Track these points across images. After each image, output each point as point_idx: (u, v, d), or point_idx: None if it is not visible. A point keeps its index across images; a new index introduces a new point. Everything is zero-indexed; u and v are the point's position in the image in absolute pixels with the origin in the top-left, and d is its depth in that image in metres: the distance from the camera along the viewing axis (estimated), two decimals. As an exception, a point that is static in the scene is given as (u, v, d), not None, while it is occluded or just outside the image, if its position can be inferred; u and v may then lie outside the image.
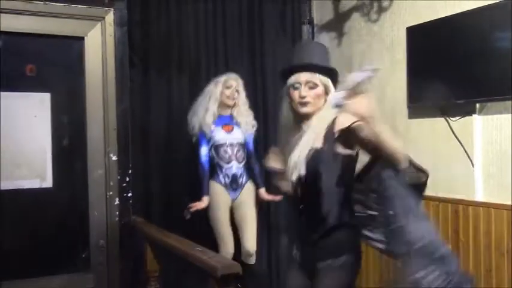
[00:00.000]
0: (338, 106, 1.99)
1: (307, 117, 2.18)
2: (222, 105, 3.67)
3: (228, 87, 3.66)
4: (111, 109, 3.44)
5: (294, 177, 2.14)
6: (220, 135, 3.63)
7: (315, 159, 2.11)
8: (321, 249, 2.16)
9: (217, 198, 3.63)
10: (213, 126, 3.63)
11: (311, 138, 2.14)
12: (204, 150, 3.63)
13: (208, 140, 3.63)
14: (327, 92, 2.20)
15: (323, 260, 2.15)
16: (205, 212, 3.62)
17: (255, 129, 3.80)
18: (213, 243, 3.55)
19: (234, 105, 3.70)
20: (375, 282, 3.91)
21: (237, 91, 3.69)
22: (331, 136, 2.10)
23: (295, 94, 2.16)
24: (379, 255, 2.56)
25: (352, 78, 1.97)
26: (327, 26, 4.48)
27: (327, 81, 2.20)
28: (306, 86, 2.15)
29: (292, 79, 2.17)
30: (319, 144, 2.12)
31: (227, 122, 3.69)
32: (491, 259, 3.07)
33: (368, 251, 2.53)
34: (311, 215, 2.17)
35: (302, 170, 2.12)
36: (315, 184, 2.09)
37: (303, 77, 2.15)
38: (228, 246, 3.63)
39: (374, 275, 3.92)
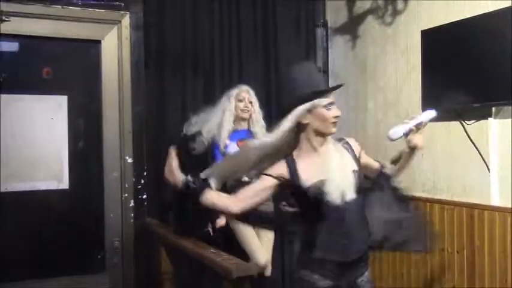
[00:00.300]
0: (405, 135, 2.40)
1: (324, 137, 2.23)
2: (238, 119, 3.60)
3: (240, 101, 3.59)
4: (127, 112, 3.48)
5: (338, 201, 2.14)
6: (235, 149, 3.50)
7: (361, 182, 2.22)
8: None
9: None
10: (228, 141, 3.55)
11: (344, 161, 2.22)
12: None
13: (222, 154, 3.54)
14: None
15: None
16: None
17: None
18: (225, 245, 3.54)
19: (250, 117, 3.64)
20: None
21: (251, 102, 3.63)
22: (357, 160, 2.27)
23: (329, 114, 2.17)
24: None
25: (423, 117, 2.39)
26: (341, 28, 4.47)
27: None
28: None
29: (324, 100, 2.16)
30: (355, 167, 2.23)
31: (243, 137, 3.59)
32: (507, 264, 3.04)
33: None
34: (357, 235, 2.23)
35: (351, 193, 2.17)
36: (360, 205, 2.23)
37: (332, 98, 2.19)
38: (261, 259, 3.39)
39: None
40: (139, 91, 3.53)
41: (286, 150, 2.22)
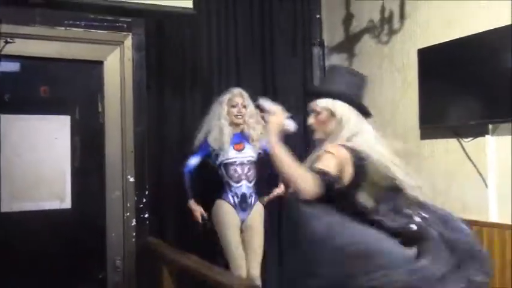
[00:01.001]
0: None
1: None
2: (232, 124, 3.61)
3: (233, 106, 3.60)
4: (129, 131, 3.50)
5: None
6: (230, 154, 3.57)
7: None
8: None
9: (227, 217, 3.53)
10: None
11: None
12: (193, 161, 3.58)
13: (215, 156, 3.59)
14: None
15: None
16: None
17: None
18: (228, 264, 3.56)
19: (244, 122, 3.64)
20: None
21: (244, 107, 3.62)
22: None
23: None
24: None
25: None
26: (337, 47, 4.54)
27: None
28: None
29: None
30: None
31: (238, 140, 3.62)
32: (506, 280, 3.07)
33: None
34: None
35: None
36: None
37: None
38: (239, 270, 3.50)
39: None
40: (141, 111, 3.56)
41: None
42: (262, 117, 2.21)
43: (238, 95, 3.64)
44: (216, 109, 3.64)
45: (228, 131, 3.56)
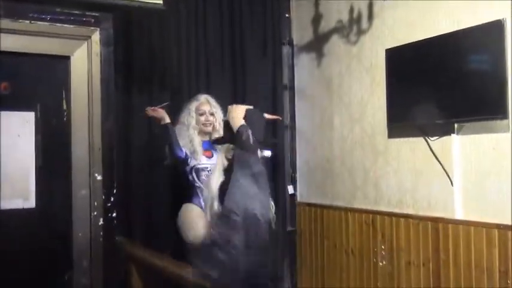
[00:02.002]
0: None
1: None
2: (201, 132, 3.59)
3: (201, 114, 3.58)
4: (96, 128, 3.42)
5: None
6: (202, 159, 3.53)
7: None
8: None
9: (196, 220, 3.42)
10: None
11: None
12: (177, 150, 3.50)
13: (186, 160, 3.51)
14: None
15: None
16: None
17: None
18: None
19: (213, 129, 3.62)
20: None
21: (212, 114, 3.61)
22: None
23: None
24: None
25: None
26: (306, 47, 4.57)
27: None
28: None
29: None
30: None
31: (206, 147, 3.58)
32: (472, 277, 3.14)
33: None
34: None
35: None
36: None
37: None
38: None
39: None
40: (109, 107, 3.49)
41: None
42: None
43: (205, 103, 3.63)
44: (185, 117, 3.61)
45: (198, 140, 3.55)
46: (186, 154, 3.48)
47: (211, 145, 3.59)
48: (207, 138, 3.62)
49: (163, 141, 3.53)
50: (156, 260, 3.04)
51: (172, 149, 3.44)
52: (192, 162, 3.51)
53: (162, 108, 3.49)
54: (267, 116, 3.68)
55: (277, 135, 4.50)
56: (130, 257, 3.32)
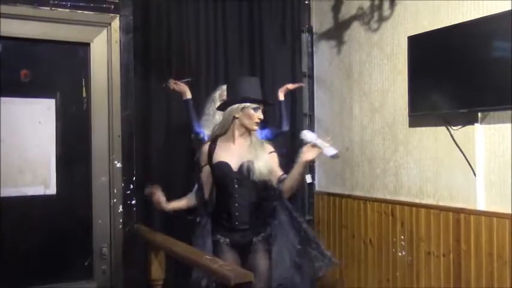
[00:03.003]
0: (310, 143, 2.71)
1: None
2: None
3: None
4: (116, 116, 3.42)
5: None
6: None
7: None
8: None
9: None
10: None
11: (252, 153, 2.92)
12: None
13: None
14: None
15: None
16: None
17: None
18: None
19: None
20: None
21: None
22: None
23: (255, 114, 2.86)
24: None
25: (328, 150, 2.68)
26: (326, 34, 4.51)
27: None
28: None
29: (253, 105, 2.85)
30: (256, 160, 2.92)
31: None
32: (493, 268, 3.10)
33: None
34: None
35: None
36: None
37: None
38: None
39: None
40: (129, 94, 3.48)
41: (222, 134, 2.91)
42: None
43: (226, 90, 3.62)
44: (209, 109, 3.62)
45: None
46: (203, 133, 3.50)
47: None
48: None
49: (184, 116, 3.59)
50: (175, 247, 3.03)
51: (191, 125, 3.50)
52: None
53: (186, 83, 3.49)
54: (290, 86, 3.86)
55: (296, 123, 4.47)
56: (149, 244, 3.32)
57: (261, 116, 2.90)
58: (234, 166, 2.87)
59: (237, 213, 2.87)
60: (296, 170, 2.73)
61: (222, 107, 2.98)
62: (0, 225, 3.21)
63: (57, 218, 3.39)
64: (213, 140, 2.94)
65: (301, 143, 2.76)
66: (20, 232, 3.28)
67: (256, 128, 2.92)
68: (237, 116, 2.88)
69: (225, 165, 2.87)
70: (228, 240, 2.91)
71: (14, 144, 3.24)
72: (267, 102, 3.05)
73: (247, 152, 2.88)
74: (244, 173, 2.84)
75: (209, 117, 3.57)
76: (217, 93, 3.63)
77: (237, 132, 2.90)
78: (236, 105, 2.87)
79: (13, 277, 3.15)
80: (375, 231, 3.97)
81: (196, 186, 3.04)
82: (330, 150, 2.65)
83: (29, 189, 3.28)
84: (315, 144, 2.67)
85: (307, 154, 2.68)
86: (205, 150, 2.94)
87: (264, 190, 2.91)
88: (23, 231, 3.29)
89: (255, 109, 2.87)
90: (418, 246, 3.59)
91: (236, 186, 2.86)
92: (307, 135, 2.73)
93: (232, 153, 2.89)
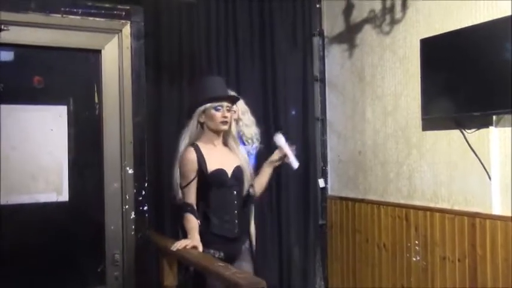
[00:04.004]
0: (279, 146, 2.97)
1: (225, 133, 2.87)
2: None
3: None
4: (128, 122, 3.43)
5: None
6: None
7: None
8: None
9: None
10: None
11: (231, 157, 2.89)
12: None
13: None
14: None
15: None
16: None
17: (259, 142, 3.62)
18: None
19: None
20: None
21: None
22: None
23: (218, 114, 2.75)
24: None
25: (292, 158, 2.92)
26: (337, 37, 4.48)
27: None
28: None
29: (214, 104, 2.74)
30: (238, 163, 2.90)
31: None
32: (510, 273, 3.06)
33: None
34: None
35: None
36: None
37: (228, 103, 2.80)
38: None
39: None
40: (140, 101, 3.49)
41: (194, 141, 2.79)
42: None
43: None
44: None
45: None
46: None
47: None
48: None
49: None
50: (187, 253, 3.02)
51: None
52: None
53: None
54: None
55: (308, 127, 4.45)
56: (162, 250, 3.31)
57: (226, 114, 2.74)
58: (229, 172, 2.78)
59: (236, 221, 2.78)
60: (265, 171, 2.95)
61: (188, 114, 2.83)
62: (14, 232, 3.22)
63: (70, 224, 3.40)
64: (196, 149, 2.75)
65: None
66: (33, 239, 3.30)
67: (223, 128, 2.77)
68: (201, 120, 2.77)
69: (222, 173, 2.75)
70: (222, 253, 2.77)
71: (26, 151, 3.26)
72: (228, 97, 2.83)
73: (233, 156, 2.83)
74: (238, 178, 2.79)
75: None
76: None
77: (212, 136, 2.79)
78: (197, 110, 2.75)
79: (26, 283, 3.16)
80: (388, 236, 3.93)
81: (189, 204, 2.77)
82: (293, 162, 2.91)
83: (41, 196, 3.30)
84: (283, 149, 2.88)
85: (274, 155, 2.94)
86: (193, 159, 2.72)
87: (248, 195, 2.88)
88: (36, 238, 3.30)
89: (216, 108, 2.72)
90: (432, 251, 3.55)
91: (234, 192, 2.79)
92: (278, 140, 2.90)
93: (222, 159, 2.78)
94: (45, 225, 3.33)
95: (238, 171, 2.79)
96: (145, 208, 3.48)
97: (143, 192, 3.48)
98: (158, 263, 3.33)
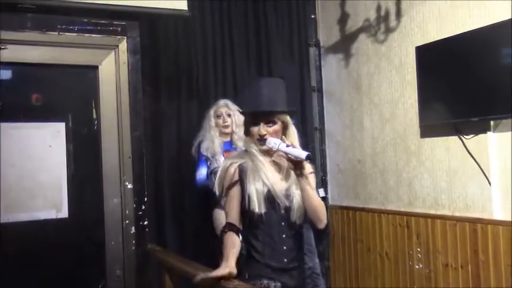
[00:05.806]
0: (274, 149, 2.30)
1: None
2: (221, 134, 3.65)
3: (218, 116, 3.66)
4: (126, 137, 3.44)
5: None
6: (220, 160, 3.50)
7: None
8: None
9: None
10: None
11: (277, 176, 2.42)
12: (203, 171, 3.57)
13: (208, 163, 3.57)
14: None
15: None
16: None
17: None
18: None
19: (232, 131, 3.67)
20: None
21: (228, 115, 3.66)
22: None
23: (254, 130, 2.34)
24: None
25: (296, 152, 2.23)
26: (333, 47, 4.51)
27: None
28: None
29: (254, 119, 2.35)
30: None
31: (227, 148, 3.63)
32: (513, 277, 3.05)
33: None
34: None
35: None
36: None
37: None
38: None
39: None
40: (138, 115, 3.50)
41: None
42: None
43: (222, 106, 3.70)
44: (206, 123, 3.70)
45: (218, 141, 3.62)
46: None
47: (231, 145, 3.65)
48: (227, 138, 3.68)
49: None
50: (188, 268, 3.01)
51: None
52: (212, 165, 3.53)
53: None
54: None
55: (307, 137, 4.46)
56: (163, 265, 3.30)
57: (262, 132, 2.29)
58: (279, 190, 2.34)
59: (285, 247, 2.34)
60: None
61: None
62: (15, 249, 3.21)
63: (70, 241, 3.39)
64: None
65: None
66: (33, 256, 3.28)
67: (257, 147, 2.34)
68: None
69: (271, 189, 2.32)
70: (279, 284, 2.32)
71: (25, 168, 3.27)
72: (272, 111, 2.30)
73: (284, 174, 2.38)
74: (289, 198, 2.33)
75: (205, 132, 3.64)
76: (212, 111, 3.70)
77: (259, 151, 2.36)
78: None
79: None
80: (390, 244, 3.91)
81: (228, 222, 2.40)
82: (299, 155, 2.20)
83: (41, 214, 3.29)
84: (280, 150, 2.24)
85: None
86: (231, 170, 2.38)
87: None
88: (36, 255, 3.29)
89: (255, 123, 2.31)
90: (435, 258, 3.54)
91: (283, 212, 2.34)
92: (269, 143, 2.29)
93: (271, 176, 2.35)
94: (45, 242, 3.32)
95: (290, 191, 2.38)
96: (146, 223, 3.48)
97: (143, 207, 3.47)
98: (160, 277, 3.32)
